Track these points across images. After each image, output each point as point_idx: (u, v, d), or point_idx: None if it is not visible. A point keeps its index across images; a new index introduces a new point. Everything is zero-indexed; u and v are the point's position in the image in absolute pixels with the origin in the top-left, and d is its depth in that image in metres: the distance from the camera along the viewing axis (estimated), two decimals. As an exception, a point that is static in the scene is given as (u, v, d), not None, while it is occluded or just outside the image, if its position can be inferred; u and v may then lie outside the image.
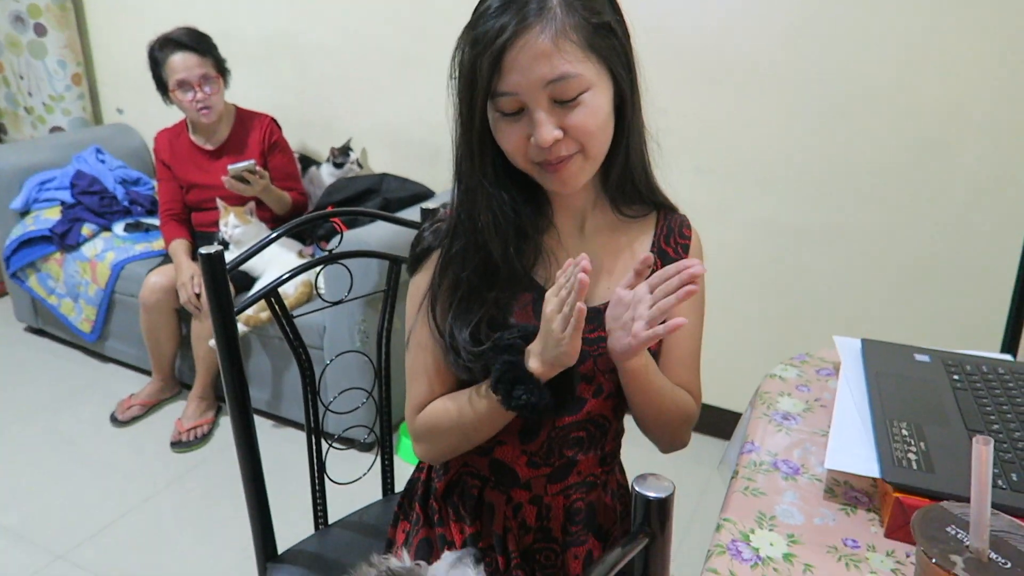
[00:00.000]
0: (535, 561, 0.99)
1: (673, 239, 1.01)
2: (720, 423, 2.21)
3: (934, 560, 0.57)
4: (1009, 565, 0.57)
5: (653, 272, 0.86)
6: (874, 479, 0.86)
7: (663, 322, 0.81)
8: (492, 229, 0.90)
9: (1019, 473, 0.79)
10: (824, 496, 0.86)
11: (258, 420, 1.19)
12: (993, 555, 0.58)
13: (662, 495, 0.60)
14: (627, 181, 0.97)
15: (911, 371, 1.01)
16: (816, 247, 2.11)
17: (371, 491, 1.39)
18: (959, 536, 0.60)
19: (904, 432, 0.87)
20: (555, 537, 1.00)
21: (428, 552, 1.02)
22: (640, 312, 0.83)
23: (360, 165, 2.67)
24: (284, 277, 1.20)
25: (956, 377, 0.99)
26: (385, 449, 1.39)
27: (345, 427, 1.39)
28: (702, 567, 0.76)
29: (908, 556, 0.77)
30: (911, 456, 0.82)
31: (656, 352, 1.00)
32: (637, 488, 0.60)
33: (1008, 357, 1.06)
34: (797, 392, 1.08)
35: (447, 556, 0.84)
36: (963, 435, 0.86)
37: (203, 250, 1.06)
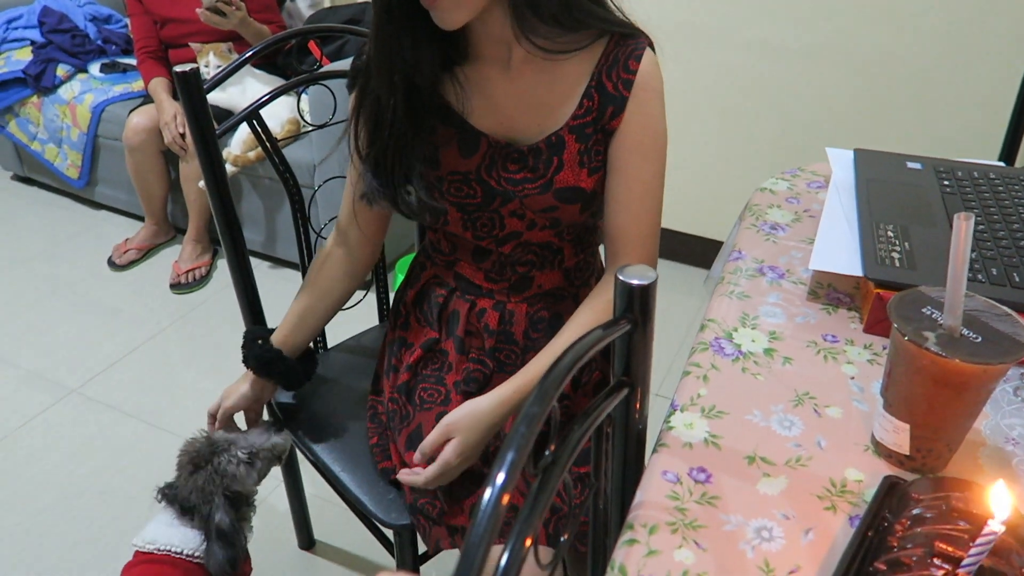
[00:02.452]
0: (496, 360, 1.03)
1: (616, 72, 0.88)
2: (712, 254, 2.24)
3: (907, 337, 0.59)
4: (980, 339, 0.59)
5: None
6: (857, 280, 0.88)
7: None
8: (393, 55, 0.86)
9: (999, 268, 0.81)
10: (807, 298, 0.87)
11: (255, 262, 1.20)
12: (965, 331, 0.60)
13: (644, 282, 0.61)
14: (541, 7, 0.82)
15: (902, 177, 1.00)
16: (814, 66, 2.04)
17: (370, 322, 1.42)
18: (934, 316, 0.61)
19: (890, 233, 0.87)
20: (516, 340, 1.03)
21: (401, 348, 1.10)
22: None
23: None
24: (265, 99, 1.16)
25: (946, 183, 0.98)
26: (379, 276, 1.41)
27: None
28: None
29: (884, 348, 0.79)
30: (894, 255, 0.83)
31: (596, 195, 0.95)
32: (619, 276, 0.61)
33: (1001, 164, 1.05)
34: (787, 204, 1.07)
35: (258, 426, 1.13)
36: (947, 235, 0.87)
37: (177, 68, 1.02)
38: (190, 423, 1.82)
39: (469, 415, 0.90)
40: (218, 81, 1.10)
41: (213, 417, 1.14)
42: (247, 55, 1.12)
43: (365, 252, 1.08)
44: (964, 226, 0.56)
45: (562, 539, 0.60)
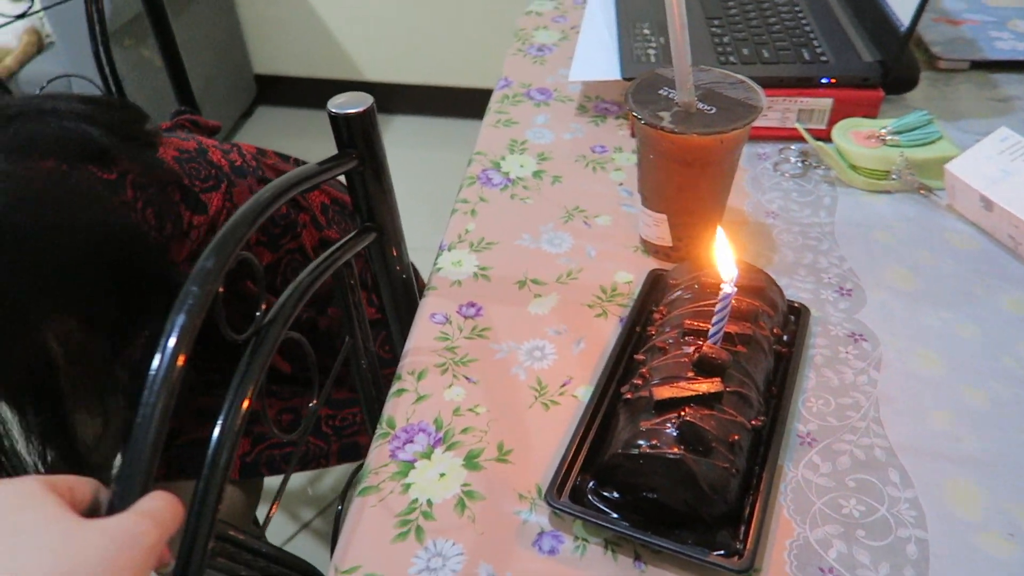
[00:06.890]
0: None
1: None
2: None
3: (644, 121, 0.56)
4: (714, 111, 0.56)
5: None
6: (624, 86, 0.84)
7: None
8: None
9: (750, 48, 0.79)
10: (576, 113, 0.84)
11: None
12: (701, 105, 0.57)
13: (360, 108, 0.54)
14: None
15: (658, -25, 0.96)
16: None
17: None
18: (670, 96, 0.58)
19: (646, 31, 0.84)
20: None
21: None
22: None
23: None
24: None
25: (701, -27, 0.95)
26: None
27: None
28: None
29: (652, 149, 0.77)
30: (650, 52, 0.80)
31: None
32: (332, 109, 0.54)
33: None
34: (553, 24, 1.02)
35: None
36: (702, 22, 0.84)
37: None
38: None
39: None
40: None
41: None
42: None
43: None
44: (674, -10, 0.52)
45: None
